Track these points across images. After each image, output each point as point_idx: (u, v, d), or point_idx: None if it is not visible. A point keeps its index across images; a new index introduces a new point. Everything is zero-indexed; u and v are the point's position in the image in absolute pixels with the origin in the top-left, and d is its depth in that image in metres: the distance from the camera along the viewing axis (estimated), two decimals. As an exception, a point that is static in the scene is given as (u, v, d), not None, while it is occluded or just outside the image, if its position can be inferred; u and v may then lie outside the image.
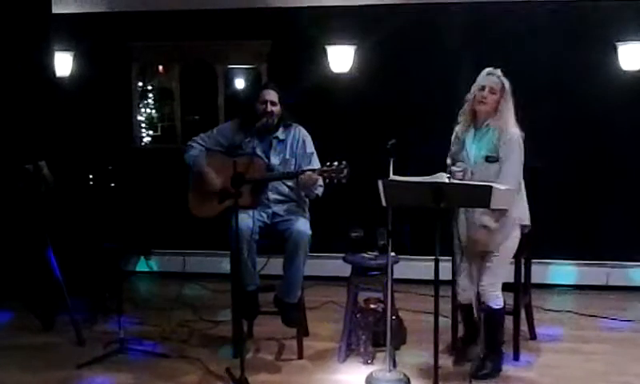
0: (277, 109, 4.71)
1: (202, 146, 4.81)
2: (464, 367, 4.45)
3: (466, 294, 4.39)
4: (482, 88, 4.23)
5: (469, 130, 4.29)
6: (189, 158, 4.79)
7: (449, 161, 4.37)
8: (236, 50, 6.77)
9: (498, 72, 4.28)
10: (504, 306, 4.32)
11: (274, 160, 4.74)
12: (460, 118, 4.35)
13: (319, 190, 4.63)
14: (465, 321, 4.61)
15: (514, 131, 4.22)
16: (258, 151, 4.71)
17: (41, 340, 5.05)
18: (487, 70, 4.29)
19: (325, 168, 4.45)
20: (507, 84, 4.24)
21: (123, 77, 6.90)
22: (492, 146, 4.19)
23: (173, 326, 5.32)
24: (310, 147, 4.80)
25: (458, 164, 4.26)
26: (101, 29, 6.77)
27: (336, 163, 4.41)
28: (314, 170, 4.49)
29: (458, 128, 4.36)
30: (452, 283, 4.53)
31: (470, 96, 4.30)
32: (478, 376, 4.30)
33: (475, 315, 4.43)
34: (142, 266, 6.79)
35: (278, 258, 4.61)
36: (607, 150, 6.23)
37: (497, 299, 4.27)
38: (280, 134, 4.78)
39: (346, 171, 4.38)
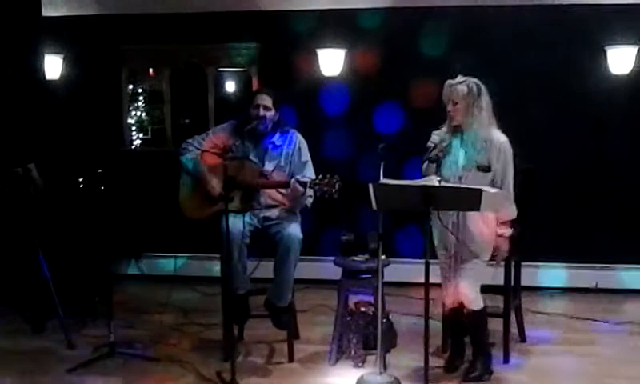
0: (270, 114, 4.65)
1: (197, 148, 4.78)
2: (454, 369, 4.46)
3: (451, 296, 4.33)
4: (447, 103, 4.21)
5: (454, 137, 4.22)
6: (187, 161, 4.74)
7: (425, 165, 4.22)
8: (226, 52, 6.76)
9: (458, 79, 4.19)
10: (485, 307, 4.31)
11: (269, 166, 4.70)
12: (441, 126, 4.27)
13: (308, 201, 4.61)
14: (453, 329, 4.55)
15: (502, 138, 4.19)
16: (253, 156, 4.69)
17: (30, 344, 5.03)
18: (447, 82, 4.21)
19: (317, 181, 4.37)
20: (472, 86, 4.15)
21: (113, 80, 6.88)
22: (482, 154, 4.15)
23: (163, 329, 5.31)
24: (306, 155, 4.74)
25: (434, 137, 4.19)
26: (91, 32, 6.75)
27: (329, 176, 4.34)
28: (305, 184, 4.41)
29: (439, 133, 4.24)
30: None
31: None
32: (469, 378, 4.32)
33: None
34: (132, 268, 6.77)
35: (269, 262, 4.60)
36: (597, 153, 6.25)
37: (478, 301, 4.26)
38: (276, 139, 4.74)
39: (337, 186, 4.27)
